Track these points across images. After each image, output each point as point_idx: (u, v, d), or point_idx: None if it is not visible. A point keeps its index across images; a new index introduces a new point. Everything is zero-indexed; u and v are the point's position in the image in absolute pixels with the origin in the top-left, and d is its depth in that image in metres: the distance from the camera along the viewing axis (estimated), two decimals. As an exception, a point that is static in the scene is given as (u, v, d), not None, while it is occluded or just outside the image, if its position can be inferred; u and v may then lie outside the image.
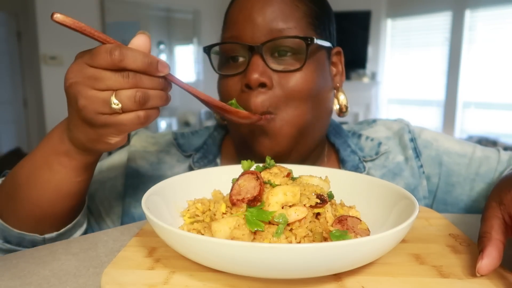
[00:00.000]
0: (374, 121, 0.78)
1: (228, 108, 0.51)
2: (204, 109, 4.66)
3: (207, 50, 0.62)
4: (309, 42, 0.57)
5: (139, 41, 0.43)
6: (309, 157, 0.67)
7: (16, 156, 2.72)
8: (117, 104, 0.41)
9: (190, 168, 0.69)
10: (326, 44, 0.62)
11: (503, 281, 0.36)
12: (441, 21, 4.26)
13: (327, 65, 0.64)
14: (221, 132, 0.74)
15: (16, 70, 4.27)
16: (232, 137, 0.69)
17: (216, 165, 0.70)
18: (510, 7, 3.74)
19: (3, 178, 0.58)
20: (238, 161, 0.67)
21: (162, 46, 4.47)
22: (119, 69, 0.41)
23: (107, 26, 3.93)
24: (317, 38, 0.58)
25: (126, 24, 4.13)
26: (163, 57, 4.49)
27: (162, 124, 4.23)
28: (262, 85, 0.56)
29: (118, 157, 0.73)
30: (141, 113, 0.43)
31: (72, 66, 0.45)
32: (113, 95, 0.41)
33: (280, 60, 0.58)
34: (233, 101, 0.53)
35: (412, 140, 0.71)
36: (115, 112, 0.42)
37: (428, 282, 0.35)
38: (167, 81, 0.45)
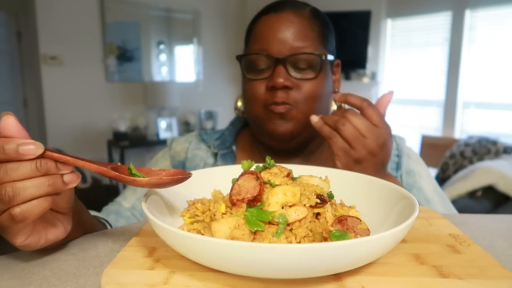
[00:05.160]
0: None
1: (125, 178, 0.43)
2: (204, 109, 4.66)
3: (240, 58, 0.76)
4: (323, 58, 0.73)
5: (5, 124, 0.38)
6: (310, 145, 0.81)
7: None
8: None
9: (214, 154, 0.83)
10: (331, 58, 0.77)
11: (504, 280, 0.36)
12: (441, 21, 4.25)
13: (331, 74, 0.79)
14: (238, 125, 0.89)
15: (16, 70, 4.27)
16: (251, 124, 0.81)
17: (232, 151, 0.84)
18: (510, 7, 3.74)
19: None
20: (250, 150, 0.85)
21: (162, 46, 4.47)
22: None
23: (107, 26, 3.93)
24: (326, 54, 0.74)
25: (126, 24, 4.12)
26: (163, 57, 4.49)
27: (162, 124, 4.22)
28: (285, 87, 0.70)
29: (161, 164, 0.86)
30: (15, 210, 0.37)
31: None
32: None
33: (298, 70, 0.72)
34: (131, 165, 0.45)
35: (398, 156, 0.84)
36: None
37: (428, 282, 0.35)
38: (58, 164, 0.40)
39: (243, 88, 0.78)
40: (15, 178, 0.37)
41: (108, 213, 0.77)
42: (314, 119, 0.68)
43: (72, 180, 0.41)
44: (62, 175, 0.40)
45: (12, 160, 0.37)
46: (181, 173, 0.45)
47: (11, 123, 0.38)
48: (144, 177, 0.43)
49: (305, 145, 0.80)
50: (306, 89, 0.72)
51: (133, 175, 0.43)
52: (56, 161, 0.39)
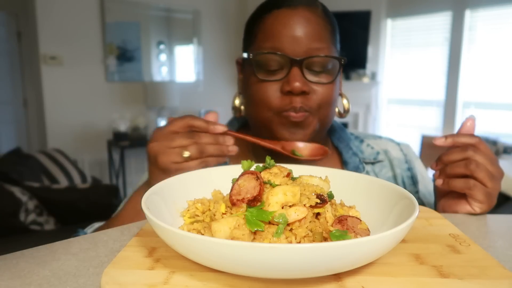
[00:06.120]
0: (380, 137, 0.87)
1: (291, 156, 0.67)
2: (204, 109, 4.66)
3: (252, 57, 0.70)
4: (342, 62, 0.70)
5: (210, 117, 0.65)
6: None
7: (16, 156, 2.71)
8: (187, 154, 0.60)
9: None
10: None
11: (504, 280, 0.36)
12: (441, 21, 4.25)
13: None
14: (235, 125, 0.84)
15: (16, 70, 4.27)
16: (255, 128, 0.76)
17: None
18: (510, 7, 3.74)
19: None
20: (247, 156, 0.81)
21: (162, 46, 4.46)
22: (188, 128, 0.62)
23: (107, 26, 3.93)
24: (344, 59, 0.71)
25: (126, 24, 4.12)
26: (163, 57, 4.49)
27: (162, 124, 4.22)
28: (302, 92, 0.67)
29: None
30: (206, 159, 0.62)
31: (152, 135, 0.63)
32: (184, 149, 0.60)
33: (313, 73, 0.68)
34: (294, 150, 0.69)
35: (410, 169, 0.82)
36: (185, 161, 0.60)
37: (428, 282, 0.35)
38: (226, 137, 0.64)
39: (249, 88, 0.72)
40: (205, 142, 0.61)
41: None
42: (439, 182, 0.60)
43: (233, 149, 0.64)
44: (228, 145, 0.64)
45: (204, 132, 0.63)
46: (321, 149, 0.68)
47: (212, 115, 0.66)
48: (302, 156, 0.67)
49: None
50: (321, 94, 0.68)
51: (296, 155, 0.67)
52: (227, 135, 0.64)
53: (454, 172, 0.58)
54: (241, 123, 0.85)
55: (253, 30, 0.72)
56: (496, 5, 3.82)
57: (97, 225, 0.74)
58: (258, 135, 0.76)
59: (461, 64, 4.11)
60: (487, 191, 0.57)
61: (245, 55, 0.74)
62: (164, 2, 4.35)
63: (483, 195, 0.57)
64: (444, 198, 0.63)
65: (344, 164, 0.79)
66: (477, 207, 0.58)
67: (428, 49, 4.42)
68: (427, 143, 4.01)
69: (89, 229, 0.73)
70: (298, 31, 0.66)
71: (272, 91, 0.68)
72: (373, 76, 4.69)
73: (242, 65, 0.78)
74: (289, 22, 0.67)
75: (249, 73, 0.72)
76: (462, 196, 0.60)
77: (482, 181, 0.57)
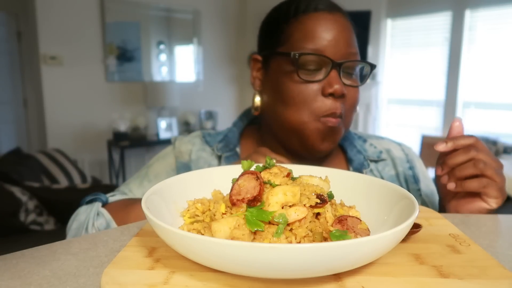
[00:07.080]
0: (382, 137, 0.89)
1: None
2: (204, 109, 4.66)
3: (297, 56, 0.68)
4: (373, 68, 0.73)
5: None
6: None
7: (16, 156, 2.71)
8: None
9: (218, 157, 0.80)
10: None
11: (504, 280, 0.36)
12: (441, 21, 4.25)
13: None
14: (241, 125, 0.85)
15: (16, 70, 4.27)
16: (282, 128, 0.74)
17: (236, 153, 0.80)
18: (510, 7, 3.74)
19: (122, 197, 0.73)
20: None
21: (162, 46, 4.46)
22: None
23: (107, 26, 3.93)
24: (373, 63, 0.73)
25: (126, 24, 4.12)
26: (163, 57, 4.49)
27: (162, 124, 4.22)
28: (341, 95, 0.69)
29: (169, 159, 0.83)
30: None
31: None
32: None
33: (347, 76, 0.71)
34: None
35: (411, 168, 0.82)
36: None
37: (428, 282, 0.35)
38: None
39: (286, 88, 0.71)
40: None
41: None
42: (451, 186, 0.60)
43: None
44: None
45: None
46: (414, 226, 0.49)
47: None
48: None
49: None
50: (351, 97, 0.71)
51: None
52: None
53: (464, 174, 0.59)
54: (249, 120, 0.86)
55: (286, 29, 0.72)
56: (496, 5, 3.82)
57: (119, 195, 0.74)
58: (280, 136, 0.75)
59: (461, 64, 4.11)
60: (498, 185, 0.59)
61: (263, 52, 0.74)
62: (164, 2, 4.35)
63: (496, 191, 0.59)
64: (455, 199, 0.64)
65: (349, 162, 0.81)
66: (493, 203, 0.60)
67: (428, 49, 4.42)
68: (427, 143, 4.01)
69: (112, 197, 0.73)
70: (338, 35, 0.69)
71: (314, 93, 0.69)
72: (373, 76, 4.68)
73: (263, 62, 0.77)
74: (330, 26, 0.69)
75: (284, 72, 0.71)
76: (475, 195, 0.61)
77: (492, 178, 0.59)
